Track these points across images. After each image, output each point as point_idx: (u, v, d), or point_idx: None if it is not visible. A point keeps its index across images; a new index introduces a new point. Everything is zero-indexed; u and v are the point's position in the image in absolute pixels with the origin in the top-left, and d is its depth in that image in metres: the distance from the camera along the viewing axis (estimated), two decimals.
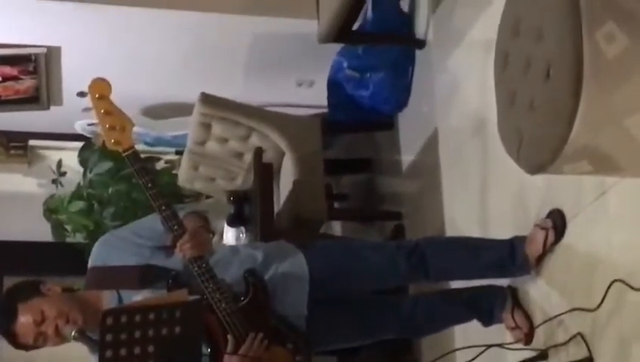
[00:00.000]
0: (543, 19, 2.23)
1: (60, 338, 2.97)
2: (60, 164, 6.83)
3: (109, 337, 2.48)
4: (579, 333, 2.99)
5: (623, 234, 2.85)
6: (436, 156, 4.77)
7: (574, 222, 3.18)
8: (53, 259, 6.52)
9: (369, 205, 6.08)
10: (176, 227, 2.94)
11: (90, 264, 3.22)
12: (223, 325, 3.03)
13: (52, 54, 5.68)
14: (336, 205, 6.25)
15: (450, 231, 4.47)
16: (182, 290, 2.88)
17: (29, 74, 5.74)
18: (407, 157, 5.38)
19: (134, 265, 3.13)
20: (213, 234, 3.27)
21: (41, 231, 6.57)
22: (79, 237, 6.45)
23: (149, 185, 2.92)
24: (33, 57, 5.65)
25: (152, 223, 3.15)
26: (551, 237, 3.24)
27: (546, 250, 3.26)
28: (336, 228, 6.35)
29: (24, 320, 2.96)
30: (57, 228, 6.53)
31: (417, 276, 3.47)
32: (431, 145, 4.88)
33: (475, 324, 3.59)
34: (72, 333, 2.90)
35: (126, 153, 2.91)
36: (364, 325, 3.47)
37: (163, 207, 2.94)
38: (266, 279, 3.16)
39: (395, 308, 3.55)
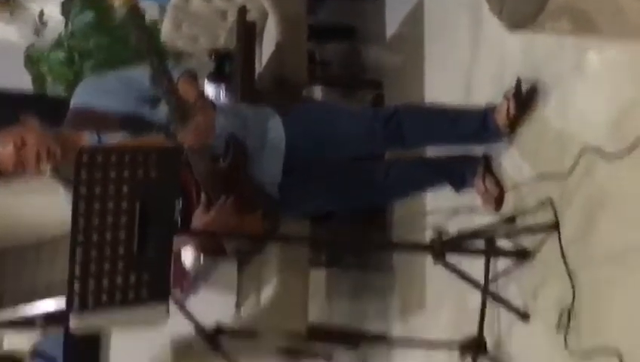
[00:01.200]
0: None
1: (39, 168, 2.98)
2: (42, 13, 6.75)
3: (83, 174, 2.50)
4: (548, 198, 3.01)
5: (598, 105, 2.86)
6: (421, 28, 4.71)
7: (551, 92, 3.17)
8: (31, 110, 6.47)
9: (351, 73, 6.06)
10: (166, 83, 2.88)
11: (72, 104, 3.21)
12: (198, 183, 3.04)
13: None
14: (318, 71, 6.22)
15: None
16: (159, 135, 2.90)
17: None
18: (391, 27, 5.32)
19: (118, 111, 3.13)
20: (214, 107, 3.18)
21: (21, 82, 6.53)
22: (59, 90, 6.42)
23: (147, 37, 2.85)
24: None
25: (140, 76, 3.12)
26: (512, 106, 3.20)
27: (511, 119, 3.23)
28: (318, 94, 6.33)
29: (4, 144, 2.98)
30: (38, 78, 6.49)
31: (394, 143, 3.49)
32: (416, 15, 4.81)
33: (446, 191, 3.64)
34: (48, 170, 2.92)
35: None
36: (338, 190, 3.51)
37: (155, 62, 2.86)
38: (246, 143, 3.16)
39: (368, 173, 3.58)
